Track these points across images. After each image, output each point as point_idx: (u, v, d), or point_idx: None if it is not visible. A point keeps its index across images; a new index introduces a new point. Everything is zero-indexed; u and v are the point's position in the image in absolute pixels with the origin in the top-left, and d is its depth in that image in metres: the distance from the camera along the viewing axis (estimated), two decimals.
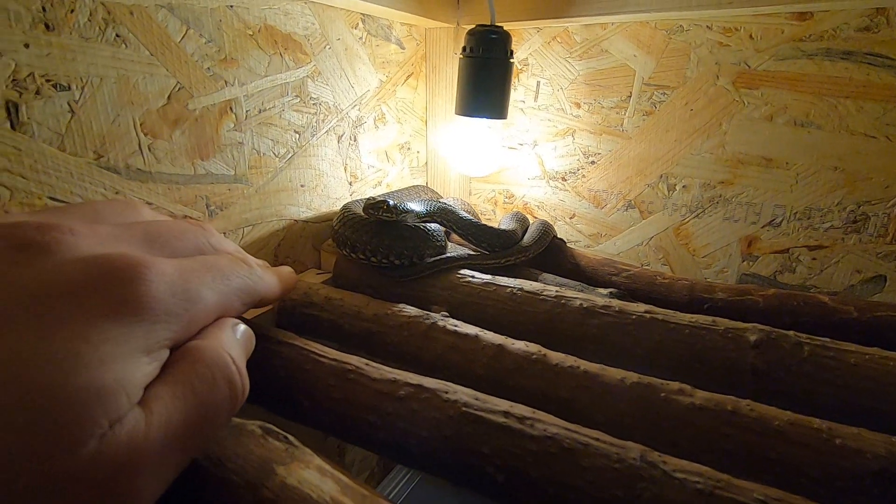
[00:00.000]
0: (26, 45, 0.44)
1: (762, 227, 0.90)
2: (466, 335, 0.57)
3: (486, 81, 0.86)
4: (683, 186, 0.95)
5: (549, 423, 0.41)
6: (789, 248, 0.89)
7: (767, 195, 0.88)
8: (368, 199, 0.67)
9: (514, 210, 1.03)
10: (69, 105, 0.48)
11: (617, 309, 0.61)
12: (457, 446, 0.41)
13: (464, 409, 0.43)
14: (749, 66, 0.84)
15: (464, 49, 0.86)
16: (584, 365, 0.52)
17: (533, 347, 0.55)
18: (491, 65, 0.84)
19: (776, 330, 0.54)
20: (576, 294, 0.64)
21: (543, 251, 0.85)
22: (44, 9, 0.44)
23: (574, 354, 0.56)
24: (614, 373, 0.51)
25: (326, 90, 0.78)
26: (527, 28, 1.00)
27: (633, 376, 0.50)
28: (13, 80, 0.43)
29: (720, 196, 0.92)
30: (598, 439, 0.39)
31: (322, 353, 0.50)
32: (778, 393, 0.51)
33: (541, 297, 0.64)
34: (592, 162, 1.02)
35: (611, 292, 0.74)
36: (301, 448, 0.39)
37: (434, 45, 1.01)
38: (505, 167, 1.10)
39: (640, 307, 0.61)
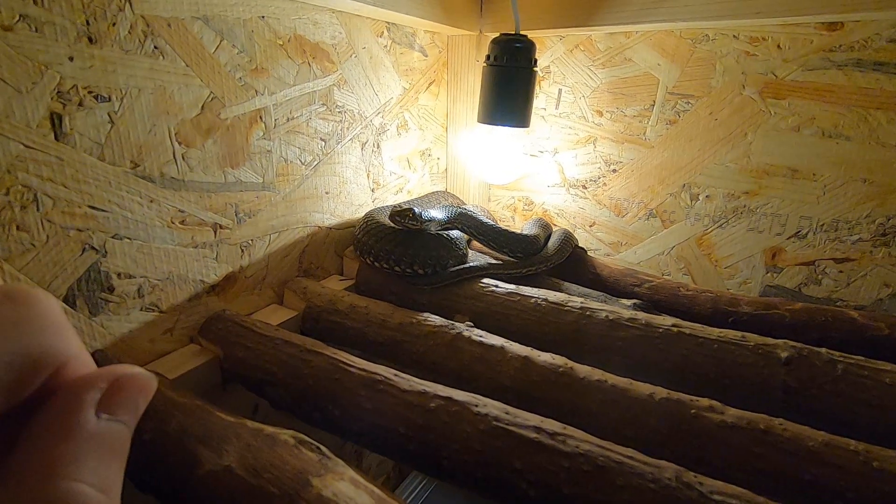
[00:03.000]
0: (70, 59, 0.45)
1: (787, 239, 0.89)
2: (492, 346, 0.58)
3: (509, 90, 0.86)
4: (706, 196, 0.94)
5: (581, 440, 0.41)
6: (815, 260, 0.88)
7: (793, 206, 0.87)
8: (394, 206, 0.67)
9: (537, 216, 1.03)
10: (109, 116, 0.49)
11: (644, 322, 0.60)
12: (488, 460, 0.41)
13: (494, 423, 0.43)
14: (776, 76, 0.83)
15: (487, 57, 0.86)
16: (612, 379, 0.52)
17: (559, 360, 0.55)
18: (514, 74, 0.84)
19: (808, 347, 0.54)
20: (601, 306, 0.64)
21: (564, 260, 0.85)
22: (87, 22, 0.45)
23: (599, 367, 0.56)
24: (643, 387, 0.51)
25: (352, 98, 0.79)
26: (549, 36, 1.00)
27: (662, 391, 0.50)
28: (58, 92, 0.45)
29: (744, 206, 0.91)
30: (631, 457, 0.39)
31: (351, 363, 0.51)
32: (810, 412, 0.50)
33: (565, 309, 0.64)
34: (614, 170, 1.01)
35: (634, 304, 0.73)
36: (334, 459, 0.40)
37: (456, 52, 1.02)
38: (525, 174, 1.10)
39: (666, 320, 0.60)
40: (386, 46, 0.84)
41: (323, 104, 0.74)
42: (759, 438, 0.45)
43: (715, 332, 0.57)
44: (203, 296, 0.62)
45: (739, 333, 0.57)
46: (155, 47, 0.51)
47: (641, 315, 0.62)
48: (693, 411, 0.47)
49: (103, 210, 0.50)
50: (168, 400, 0.44)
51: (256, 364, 0.54)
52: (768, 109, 0.85)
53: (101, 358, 0.49)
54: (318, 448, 0.41)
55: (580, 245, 0.91)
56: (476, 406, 0.45)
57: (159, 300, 0.57)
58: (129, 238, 0.52)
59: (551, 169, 1.08)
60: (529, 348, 0.57)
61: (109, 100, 0.48)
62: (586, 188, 1.05)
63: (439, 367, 0.59)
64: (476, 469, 0.41)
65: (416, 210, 0.67)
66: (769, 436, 0.44)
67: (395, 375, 0.49)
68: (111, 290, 0.52)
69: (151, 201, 0.54)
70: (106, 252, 0.51)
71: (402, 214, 0.66)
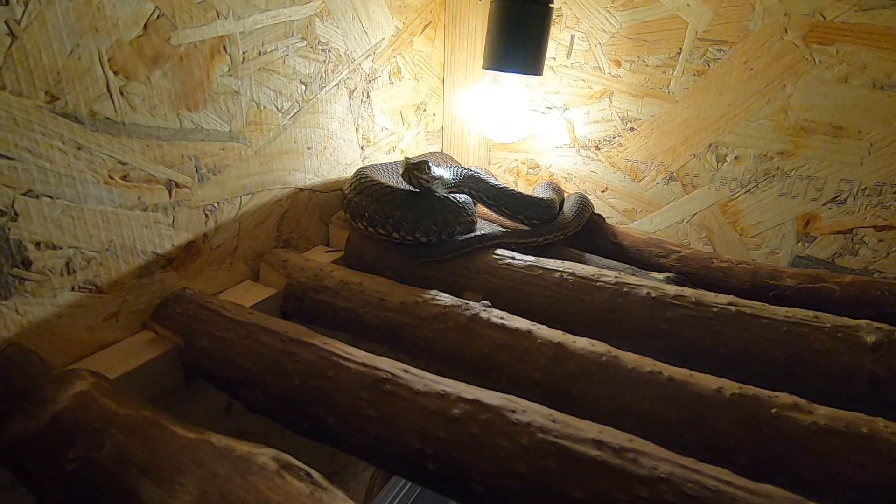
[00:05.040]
0: None
1: (823, 205, 0.80)
2: (517, 330, 0.47)
3: (520, 30, 0.74)
4: (735, 157, 0.84)
5: (658, 457, 0.31)
6: (853, 228, 0.80)
7: (833, 168, 0.78)
8: (407, 159, 0.55)
9: (546, 180, 0.92)
10: (8, 26, 0.35)
11: (693, 300, 0.51)
12: (536, 486, 0.31)
13: (540, 435, 0.33)
14: (824, 18, 0.73)
15: None
16: (668, 370, 0.43)
17: (600, 347, 0.45)
18: (528, 8, 0.72)
19: None
20: (639, 280, 0.54)
21: (580, 229, 0.75)
22: None
23: (639, 353, 0.46)
24: (707, 380, 0.42)
25: (337, 34, 0.66)
26: None
27: (731, 385, 0.41)
28: None
29: (777, 169, 0.82)
30: (730, 482, 0.30)
31: (347, 356, 0.40)
32: None
33: (598, 284, 0.54)
34: (631, 129, 0.91)
35: (667, 277, 0.64)
36: (330, 491, 0.29)
37: None
38: (530, 134, 0.99)
39: (720, 298, 0.51)
40: None
41: (302, 38, 0.61)
42: (862, 445, 0.36)
43: (781, 311, 0.48)
44: (157, 271, 0.50)
45: (812, 313, 0.48)
46: None
47: (689, 291, 0.52)
48: (774, 410, 0.38)
49: (7, 157, 0.37)
50: (103, 412, 0.33)
51: (225, 358, 0.43)
52: (812, 57, 0.75)
53: (12, 353, 0.37)
54: (308, 475, 0.30)
55: (599, 212, 0.81)
56: (514, 412, 0.35)
57: (97, 277, 0.44)
58: (48, 196, 0.40)
59: (559, 127, 0.96)
60: (562, 332, 0.47)
61: (7, 3, 0.35)
62: (599, 149, 0.95)
63: (452, 356, 0.49)
64: (521, 498, 0.31)
65: (431, 163, 0.55)
66: (875, 441, 0.36)
67: (405, 371, 0.38)
68: (27, 264, 0.39)
69: (79, 148, 0.41)
70: (16, 214, 0.38)
71: (419, 168, 0.54)
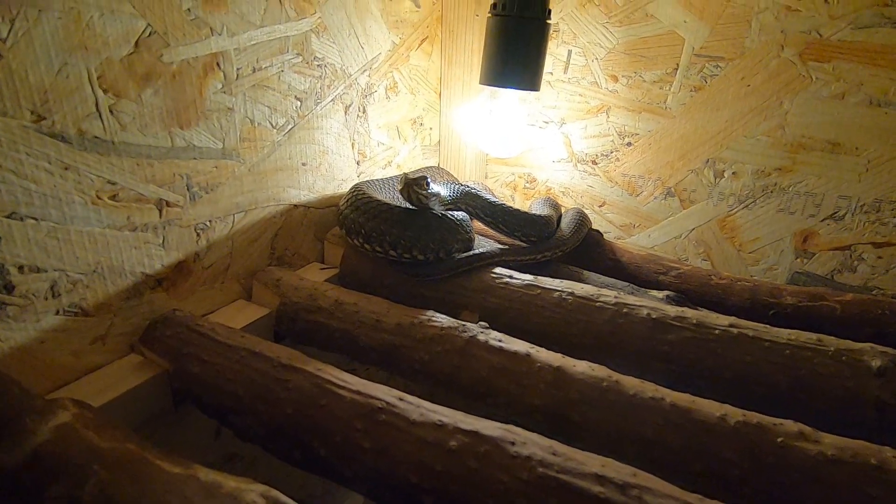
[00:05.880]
0: None
1: (822, 221, 0.80)
2: (515, 354, 0.46)
3: (518, 46, 0.73)
4: (733, 173, 0.84)
5: (663, 494, 0.30)
6: (852, 244, 0.79)
7: (831, 184, 0.78)
8: (405, 175, 0.54)
9: (542, 196, 0.92)
10: None
11: (694, 322, 0.50)
12: None
13: (540, 469, 0.32)
14: (821, 36, 0.73)
15: (493, 6, 0.73)
16: (671, 396, 0.42)
17: (601, 371, 0.44)
18: (526, 25, 0.72)
19: None
20: (639, 301, 0.54)
21: (579, 245, 0.74)
22: None
23: (639, 376, 0.45)
24: (709, 407, 0.41)
25: (333, 49, 0.65)
26: None
27: (734, 412, 0.40)
28: None
29: (775, 184, 0.82)
30: None
31: (342, 383, 0.39)
32: None
33: (597, 305, 0.54)
34: (628, 143, 0.90)
35: (667, 296, 0.63)
36: None
37: (452, 5, 0.88)
38: (528, 148, 0.98)
39: (722, 319, 0.50)
40: None
41: (298, 54, 0.60)
42: (871, 476, 0.35)
43: (784, 333, 0.48)
44: (146, 292, 0.48)
45: (815, 336, 0.47)
46: None
47: (690, 313, 0.51)
48: (779, 439, 0.37)
49: None
50: (86, 446, 0.32)
51: (216, 384, 0.41)
52: (809, 74, 0.75)
53: None
54: None
55: (597, 228, 0.80)
56: (513, 444, 0.33)
57: (83, 300, 0.43)
58: (33, 218, 0.39)
59: (557, 142, 0.96)
60: (561, 355, 0.46)
61: None
62: (596, 164, 0.94)
63: (449, 379, 0.48)
64: None
65: (429, 179, 0.55)
66: (884, 473, 0.35)
67: (401, 400, 0.37)
68: (9, 288, 0.38)
69: (66, 168, 0.40)
70: None
71: (418, 183, 0.54)
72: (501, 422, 0.37)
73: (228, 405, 0.40)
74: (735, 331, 0.48)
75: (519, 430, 0.35)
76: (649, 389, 0.42)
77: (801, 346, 0.46)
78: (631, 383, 0.43)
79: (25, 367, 0.40)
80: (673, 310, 0.52)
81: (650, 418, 0.41)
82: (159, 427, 0.47)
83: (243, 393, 0.40)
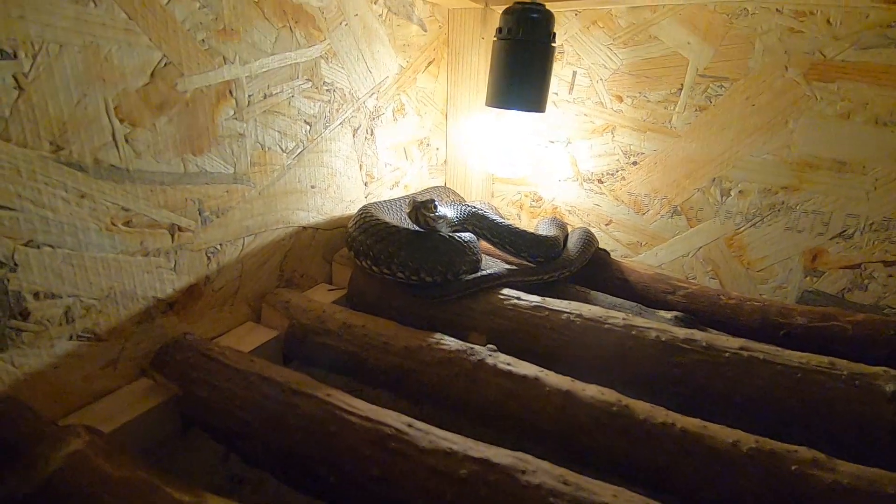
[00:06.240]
0: None
1: (830, 239, 0.80)
2: (524, 378, 0.46)
3: (523, 68, 0.74)
4: (739, 192, 0.84)
5: None
6: (862, 262, 0.79)
7: (839, 203, 0.78)
8: (413, 198, 0.55)
9: (548, 215, 0.92)
10: (15, 79, 0.36)
11: (704, 344, 0.50)
12: None
13: (552, 500, 0.32)
14: (825, 56, 0.74)
15: (499, 30, 0.74)
16: (682, 421, 0.41)
17: (610, 395, 0.44)
18: (531, 49, 0.73)
19: None
20: (647, 322, 0.53)
21: (586, 264, 0.74)
22: None
23: (649, 399, 0.45)
24: (722, 433, 0.40)
25: (342, 74, 0.66)
26: (563, 10, 0.89)
27: (747, 439, 0.39)
28: None
29: (782, 203, 0.82)
30: None
31: (351, 409, 0.39)
32: None
33: (605, 326, 0.53)
34: (634, 163, 0.91)
35: (676, 317, 0.63)
36: None
37: (458, 28, 0.90)
38: (533, 167, 0.99)
39: (731, 341, 0.50)
40: (381, 16, 0.72)
41: (308, 80, 0.61)
42: None
43: (795, 356, 0.47)
44: (157, 316, 0.49)
45: (826, 359, 0.46)
46: None
47: (700, 335, 0.51)
48: (794, 467, 0.37)
49: (9, 208, 0.36)
50: (98, 475, 0.32)
51: (224, 409, 0.41)
52: (814, 94, 0.76)
53: (6, 408, 0.36)
54: None
55: (601, 246, 0.80)
56: (523, 473, 0.33)
57: (96, 325, 0.44)
58: (49, 245, 0.39)
59: (563, 161, 0.97)
60: (570, 380, 0.46)
61: (15, 57, 0.35)
62: (602, 182, 0.95)
63: (457, 403, 0.48)
64: None
65: (437, 203, 0.55)
66: None
67: (410, 427, 0.37)
68: (25, 315, 0.39)
69: (82, 196, 0.41)
70: (16, 265, 0.38)
71: (426, 206, 0.54)
72: (511, 447, 0.37)
73: (236, 430, 0.40)
74: (746, 353, 0.48)
75: (530, 457, 0.35)
76: (660, 415, 0.42)
77: (813, 370, 0.45)
78: (641, 408, 0.43)
79: (38, 392, 0.40)
80: (682, 332, 0.51)
81: (661, 444, 0.41)
82: (169, 450, 0.47)
83: (252, 419, 0.40)
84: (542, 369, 0.47)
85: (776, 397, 0.45)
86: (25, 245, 0.38)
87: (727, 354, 0.48)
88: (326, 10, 0.62)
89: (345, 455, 0.36)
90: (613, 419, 0.42)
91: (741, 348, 0.48)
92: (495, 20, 0.78)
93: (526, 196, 1.02)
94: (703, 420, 0.42)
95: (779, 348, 0.49)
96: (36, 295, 0.39)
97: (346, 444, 0.37)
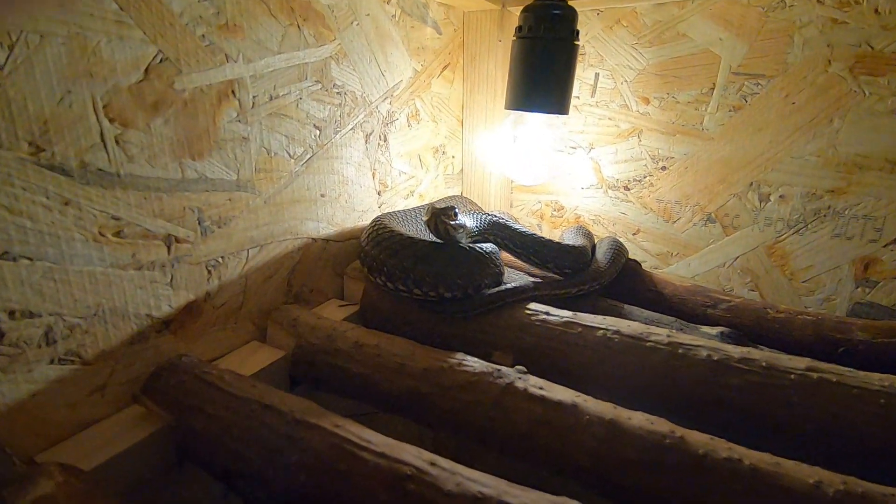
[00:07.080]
0: None
1: (884, 247, 0.73)
2: (560, 404, 0.41)
3: (545, 68, 0.70)
4: (780, 196, 0.78)
5: None
6: None
7: (892, 207, 0.71)
8: (432, 205, 0.51)
9: (571, 225, 0.87)
10: None
11: (763, 364, 0.44)
12: None
13: None
14: (872, 48, 0.68)
15: (518, 29, 0.70)
16: (750, 457, 0.35)
17: (661, 425, 0.38)
18: (553, 47, 0.68)
19: None
20: (698, 340, 0.47)
21: (616, 276, 0.69)
22: None
23: (696, 427, 0.39)
24: (799, 471, 0.34)
25: (353, 77, 0.63)
26: (584, 10, 0.84)
27: (831, 479, 0.33)
28: None
29: (828, 208, 0.75)
30: None
31: (364, 444, 0.34)
32: None
33: (647, 344, 0.48)
34: (663, 168, 0.85)
35: (721, 332, 0.57)
36: None
37: (474, 31, 0.86)
38: (555, 174, 0.94)
39: (796, 361, 0.44)
40: (394, 17, 0.68)
41: (317, 81, 0.57)
42: None
43: (874, 378, 0.41)
44: (152, 336, 0.44)
45: None
46: None
47: (757, 354, 0.45)
48: None
49: None
50: None
51: (221, 442, 0.37)
52: (861, 89, 0.70)
53: None
54: None
55: (632, 257, 0.74)
56: None
57: (81, 347, 0.39)
58: (27, 258, 0.35)
59: (585, 167, 0.92)
60: (613, 406, 0.40)
61: None
62: (629, 189, 0.89)
63: (482, 433, 0.42)
64: None
65: (457, 210, 0.51)
66: None
67: (432, 465, 0.32)
68: None
69: (66, 203, 0.37)
70: None
71: (446, 213, 0.50)
72: (540, 485, 0.32)
73: (235, 469, 0.35)
74: (815, 375, 0.42)
75: (571, 501, 0.30)
76: (722, 448, 0.36)
77: None
78: (699, 440, 0.37)
79: (14, 423, 0.36)
80: (736, 350, 0.45)
81: (727, 486, 0.34)
82: (162, 486, 0.42)
83: (251, 454, 0.35)
84: (578, 394, 0.42)
85: (855, 426, 0.39)
86: (0, 258, 0.34)
87: (792, 376, 0.42)
88: (336, 9, 0.58)
89: (356, 499, 0.31)
90: (665, 453, 0.36)
91: (809, 369, 0.42)
92: (512, 23, 0.74)
93: (547, 205, 0.97)
94: (773, 455, 0.36)
95: (852, 370, 0.42)
96: (11, 314, 0.35)
97: (357, 487, 0.31)
